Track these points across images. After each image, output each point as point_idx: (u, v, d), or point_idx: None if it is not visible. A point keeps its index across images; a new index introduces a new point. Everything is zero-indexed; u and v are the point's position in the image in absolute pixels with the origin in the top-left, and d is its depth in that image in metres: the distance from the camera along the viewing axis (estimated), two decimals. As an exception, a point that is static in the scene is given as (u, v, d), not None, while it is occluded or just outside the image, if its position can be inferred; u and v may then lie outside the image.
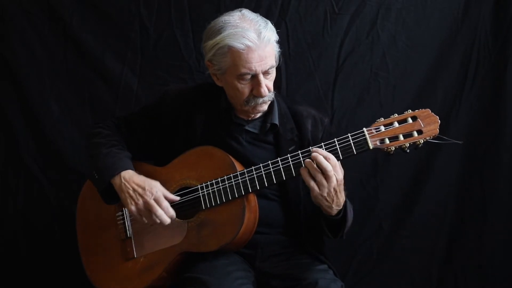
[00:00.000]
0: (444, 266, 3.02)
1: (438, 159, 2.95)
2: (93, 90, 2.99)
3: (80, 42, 2.95)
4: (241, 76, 2.12)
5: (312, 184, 2.05)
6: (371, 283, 3.02)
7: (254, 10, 2.25)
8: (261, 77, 2.13)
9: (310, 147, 2.08)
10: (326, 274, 2.19)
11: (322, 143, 2.07)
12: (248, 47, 2.08)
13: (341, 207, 2.13)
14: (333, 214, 2.13)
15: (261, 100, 2.17)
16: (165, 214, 2.14)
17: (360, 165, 2.95)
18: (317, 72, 2.94)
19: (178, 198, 2.20)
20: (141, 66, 2.96)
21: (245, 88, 2.15)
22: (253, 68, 2.10)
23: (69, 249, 2.73)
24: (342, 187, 2.09)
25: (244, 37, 2.08)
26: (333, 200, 2.07)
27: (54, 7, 2.93)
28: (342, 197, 2.11)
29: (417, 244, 3.01)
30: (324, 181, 2.03)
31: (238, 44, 2.08)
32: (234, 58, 2.10)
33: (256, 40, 2.09)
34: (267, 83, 2.15)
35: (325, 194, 2.05)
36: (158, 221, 2.15)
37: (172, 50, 2.95)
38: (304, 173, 2.06)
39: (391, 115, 2.06)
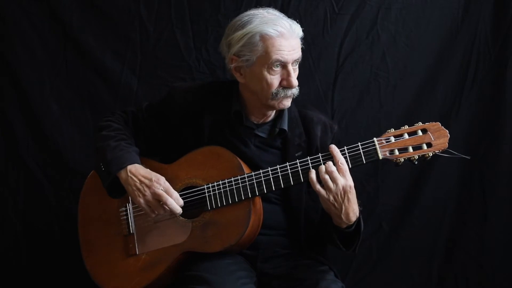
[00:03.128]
0: (444, 266, 3.02)
1: (438, 159, 2.93)
2: (93, 90, 2.98)
3: (80, 42, 2.94)
4: (272, 65, 2.12)
5: (318, 188, 2.05)
6: (371, 283, 3.02)
7: (254, 10, 2.25)
8: (291, 67, 2.14)
9: (320, 154, 2.08)
10: (327, 275, 2.18)
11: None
12: (281, 33, 2.11)
13: (351, 222, 2.11)
14: (343, 227, 2.12)
15: (289, 92, 2.16)
16: (176, 203, 2.13)
17: (361, 165, 2.95)
18: (317, 72, 2.94)
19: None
20: (141, 66, 2.96)
21: (274, 79, 2.14)
22: (285, 56, 2.11)
23: (69, 249, 2.74)
24: (352, 196, 2.07)
25: (276, 25, 2.11)
26: (341, 208, 2.06)
27: (54, 7, 2.92)
28: (352, 209, 2.08)
29: (417, 244, 3.01)
30: (330, 184, 2.03)
31: (271, 30, 2.10)
32: (266, 46, 2.11)
33: (289, 28, 2.12)
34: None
35: (332, 199, 2.04)
36: (168, 211, 2.13)
37: (172, 50, 2.94)
38: (311, 176, 2.06)
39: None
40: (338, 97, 2.95)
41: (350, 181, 2.05)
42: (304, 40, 2.89)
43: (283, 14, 2.20)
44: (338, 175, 2.03)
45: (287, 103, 2.20)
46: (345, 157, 2.06)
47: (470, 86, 2.92)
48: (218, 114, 2.28)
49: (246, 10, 2.23)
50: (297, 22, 2.20)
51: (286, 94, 2.17)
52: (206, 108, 2.28)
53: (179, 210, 2.13)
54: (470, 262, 3.00)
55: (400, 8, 2.90)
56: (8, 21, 2.93)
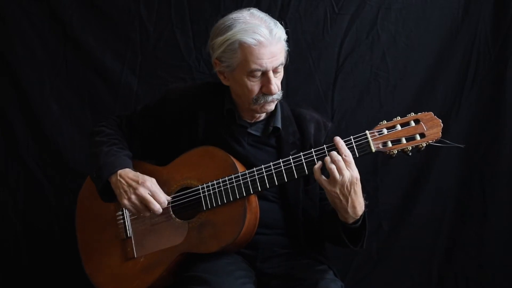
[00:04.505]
0: (444, 266, 3.02)
1: (438, 158, 2.95)
2: (93, 90, 2.99)
3: (80, 42, 2.95)
4: (251, 73, 2.10)
5: (322, 179, 2.03)
6: (371, 283, 3.02)
7: (254, 10, 2.25)
8: (271, 74, 2.11)
9: (313, 149, 2.08)
10: (326, 274, 2.18)
11: (325, 145, 2.06)
12: (260, 42, 2.07)
13: (357, 216, 2.10)
14: (349, 222, 2.11)
15: (270, 98, 2.15)
16: (159, 204, 2.14)
17: (360, 165, 2.93)
18: (317, 72, 2.94)
19: (169, 198, 2.19)
20: (141, 66, 2.96)
21: (254, 85, 2.13)
22: (264, 65, 2.09)
23: (69, 249, 2.73)
24: (358, 188, 2.05)
25: (255, 33, 2.07)
26: (347, 201, 2.04)
27: (54, 7, 2.93)
28: (359, 202, 2.07)
29: (417, 244, 3.01)
30: (336, 174, 2.01)
31: (250, 39, 2.07)
32: (245, 54, 2.09)
33: (268, 36, 2.08)
34: (276, 82, 2.14)
35: (338, 191, 2.02)
36: (152, 212, 2.14)
37: (172, 50, 2.95)
38: (315, 167, 2.04)
39: (392, 115, 2.05)
40: (338, 97, 2.95)
41: (356, 173, 2.03)
42: (304, 40, 2.92)
43: (267, 16, 2.16)
44: (344, 166, 2.01)
45: (269, 107, 2.20)
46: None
47: (470, 86, 2.92)
48: (212, 114, 2.28)
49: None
50: (282, 24, 2.16)
51: (266, 100, 2.16)
52: (201, 108, 2.28)
53: (160, 210, 2.15)
54: (470, 262, 3.00)
55: (400, 8, 2.90)
56: (8, 21, 2.93)
